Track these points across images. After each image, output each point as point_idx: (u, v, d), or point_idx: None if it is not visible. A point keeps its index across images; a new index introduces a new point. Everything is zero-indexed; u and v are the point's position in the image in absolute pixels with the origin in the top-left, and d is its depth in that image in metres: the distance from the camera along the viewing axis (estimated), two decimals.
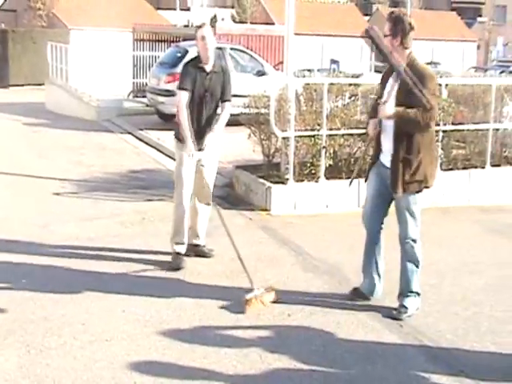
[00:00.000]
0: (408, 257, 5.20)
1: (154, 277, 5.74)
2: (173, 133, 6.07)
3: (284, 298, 5.32)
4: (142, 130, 14.15)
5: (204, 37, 5.84)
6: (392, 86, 4.92)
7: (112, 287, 5.46)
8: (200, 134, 5.84)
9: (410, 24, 5.07)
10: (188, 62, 6.03)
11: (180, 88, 5.83)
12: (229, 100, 5.96)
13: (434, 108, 4.81)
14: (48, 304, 5.09)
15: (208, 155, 5.90)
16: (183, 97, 5.78)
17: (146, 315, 4.94)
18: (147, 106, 16.32)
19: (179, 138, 5.91)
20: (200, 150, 5.80)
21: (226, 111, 5.96)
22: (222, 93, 5.93)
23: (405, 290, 5.18)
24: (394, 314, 5.09)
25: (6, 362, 4.18)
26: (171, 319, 4.90)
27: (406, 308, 5.12)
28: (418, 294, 5.20)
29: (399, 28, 4.99)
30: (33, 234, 6.88)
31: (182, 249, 6.04)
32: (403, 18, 5.04)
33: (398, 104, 4.86)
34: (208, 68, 5.87)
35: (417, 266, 5.20)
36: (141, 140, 13.45)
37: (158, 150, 12.22)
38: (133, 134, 14.16)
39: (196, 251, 6.25)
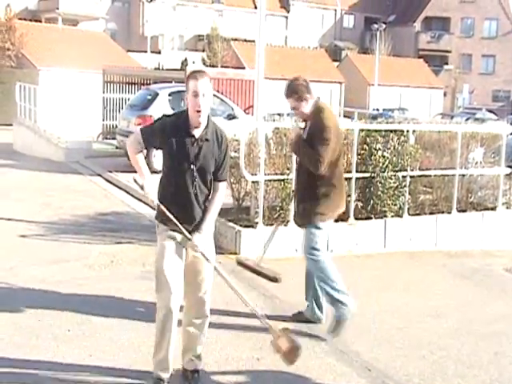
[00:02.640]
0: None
1: (123, 320, 5.68)
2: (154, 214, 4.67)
3: (252, 342, 5.30)
4: (111, 172, 14.11)
5: (197, 93, 4.28)
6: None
7: (80, 331, 5.39)
8: (187, 216, 4.37)
9: (304, 80, 5.75)
10: (169, 116, 4.52)
11: (142, 136, 4.41)
12: (224, 180, 4.52)
13: (322, 156, 5.45)
14: (13, 350, 4.99)
15: (202, 243, 4.39)
16: (136, 138, 4.44)
17: (115, 359, 4.89)
18: (117, 148, 16.32)
19: (160, 218, 4.46)
20: (190, 232, 4.37)
21: (220, 194, 4.49)
22: (217, 169, 4.44)
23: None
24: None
25: None
26: (140, 363, 4.84)
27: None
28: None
29: (300, 92, 5.67)
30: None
31: (166, 374, 4.47)
32: (295, 82, 5.72)
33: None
34: (197, 133, 4.36)
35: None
36: (110, 182, 13.41)
37: (127, 192, 12.19)
38: (102, 176, 14.12)
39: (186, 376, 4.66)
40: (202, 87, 4.27)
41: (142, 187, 4.41)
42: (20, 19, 34.93)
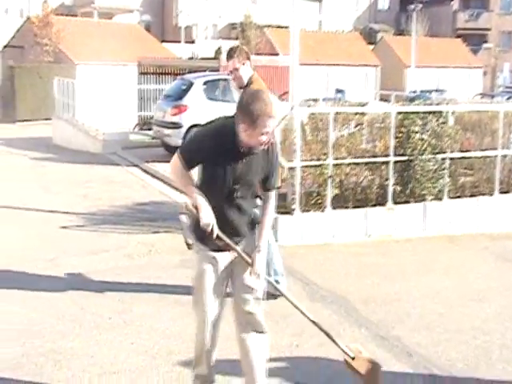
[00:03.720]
0: None
1: (163, 309, 5.72)
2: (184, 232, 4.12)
3: (292, 328, 5.28)
4: (148, 162, 14.21)
5: (267, 132, 3.66)
6: None
7: (121, 319, 5.44)
8: (232, 234, 3.88)
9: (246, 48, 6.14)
10: (207, 130, 3.82)
11: (184, 161, 3.80)
12: (275, 188, 4.03)
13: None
14: (56, 337, 5.07)
15: (261, 264, 3.97)
16: (178, 164, 3.83)
17: (155, 347, 4.92)
18: (153, 138, 16.44)
19: (197, 234, 3.90)
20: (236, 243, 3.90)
21: (271, 203, 4.01)
22: (266, 179, 3.92)
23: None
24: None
25: None
26: (180, 351, 4.87)
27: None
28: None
29: (243, 54, 6.07)
30: (40, 267, 6.88)
31: None
32: (238, 46, 6.16)
33: None
34: (246, 150, 3.76)
35: None
36: (147, 172, 13.50)
37: (164, 182, 12.25)
38: (139, 167, 14.22)
39: None
40: (273, 124, 3.69)
41: (195, 208, 3.77)
42: (57, 15, 35.28)
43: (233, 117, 3.71)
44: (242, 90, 5.75)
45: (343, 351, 4.09)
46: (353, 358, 4.07)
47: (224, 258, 3.91)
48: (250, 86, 5.66)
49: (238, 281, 3.97)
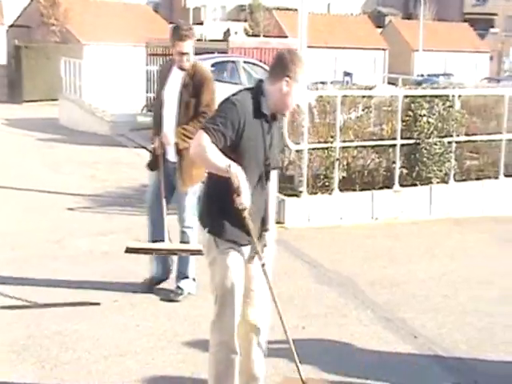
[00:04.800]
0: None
1: (169, 291, 5.75)
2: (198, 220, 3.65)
3: (297, 310, 5.32)
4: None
5: (301, 83, 3.47)
6: None
7: (126, 302, 5.48)
8: (258, 223, 3.52)
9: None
10: (236, 100, 3.35)
11: (210, 130, 3.24)
12: (279, 166, 3.93)
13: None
14: (62, 319, 5.10)
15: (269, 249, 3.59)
16: (205, 141, 3.24)
17: (160, 329, 4.95)
18: None
19: (215, 228, 3.44)
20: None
21: (274, 183, 3.65)
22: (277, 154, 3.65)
23: (181, 274, 5.55)
24: (171, 296, 5.50)
25: (21, 377, 4.20)
26: (186, 333, 4.91)
27: (182, 289, 5.52)
28: (194, 280, 5.56)
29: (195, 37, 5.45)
30: (47, 248, 6.91)
31: None
32: (192, 27, 5.42)
33: None
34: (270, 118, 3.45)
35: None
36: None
37: None
38: (146, 149, 14.20)
39: None
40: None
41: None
42: None
43: (252, 88, 3.47)
44: (184, 73, 5.27)
45: (297, 368, 3.72)
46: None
47: (246, 254, 3.52)
48: (196, 72, 5.28)
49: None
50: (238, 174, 3.23)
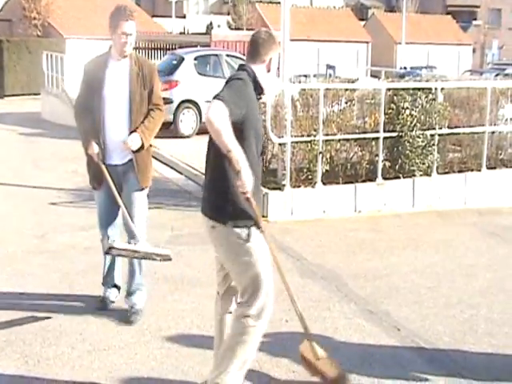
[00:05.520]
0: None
1: (153, 285, 5.74)
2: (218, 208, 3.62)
3: (281, 304, 5.31)
4: None
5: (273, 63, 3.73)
6: None
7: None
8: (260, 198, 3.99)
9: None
10: (244, 76, 3.59)
11: (224, 103, 3.31)
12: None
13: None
14: (45, 315, 5.07)
15: None
16: (221, 111, 3.29)
17: (144, 324, 4.94)
18: None
19: (244, 218, 3.56)
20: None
21: None
22: None
23: (133, 288, 5.06)
24: (130, 318, 4.95)
25: (3, 372, 4.18)
26: (169, 327, 4.90)
27: (137, 304, 5.05)
28: (143, 286, 5.13)
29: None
30: (29, 244, 6.88)
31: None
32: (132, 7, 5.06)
33: None
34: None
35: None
36: None
37: (155, 157, 12.17)
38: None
39: None
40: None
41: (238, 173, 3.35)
42: None
43: (243, 70, 3.64)
44: (124, 60, 4.83)
45: (312, 348, 3.85)
46: (318, 359, 3.82)
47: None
48: (141, 61, 4.94)
49: None
50: (239, 159, 3.31)
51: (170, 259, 4.83)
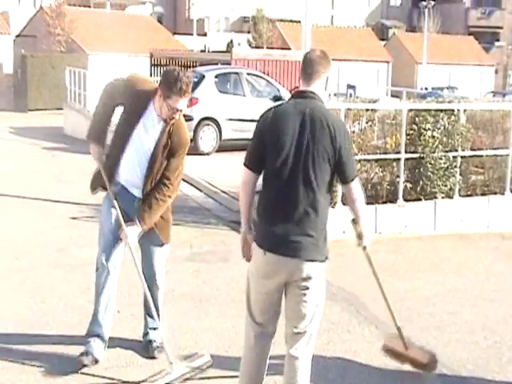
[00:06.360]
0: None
1: (171, 303, 5.70)
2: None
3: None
4: None
5: None
6: None
7: (128, 313, 5.44)
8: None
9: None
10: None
11: (245, 158, 3.78)
12: None
13: None
14: (63, 328, 5.08)
15: None
16: (245, 171, 3.80)
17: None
18: None
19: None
20: None
21: None
22: None
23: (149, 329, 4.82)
24: (152, 354, 4.69)
25: None
26: (187, 346, 4.87)
27: (156, 341, 4.76)
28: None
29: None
30: (49, 257, 6.90)
31: None
32: (189, 75, 4.41)
33: None
34: None
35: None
36: None
37: None
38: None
39: None
40: None
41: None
42: (70, 5, 35.30)
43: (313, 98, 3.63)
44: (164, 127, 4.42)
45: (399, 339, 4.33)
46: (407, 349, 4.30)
47: None
48: (176, 130, 4.45)
49: None
50: (242, 238, 3.79)
51: (211, 364, 4.57)
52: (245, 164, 3.67)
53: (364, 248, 4.00)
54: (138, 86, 4.44)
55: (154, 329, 4.77)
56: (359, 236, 3.92)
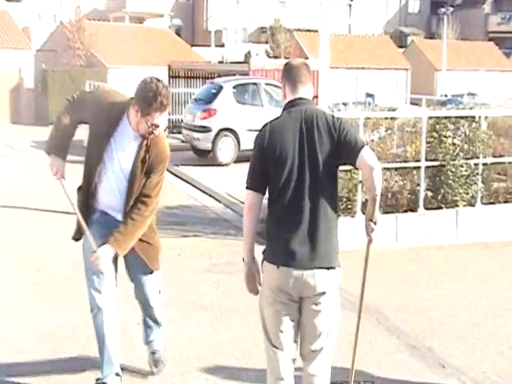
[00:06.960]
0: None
1: (191, 314, 5.67)
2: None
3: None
4: (177, 165, 14.21)
5: None
6: None
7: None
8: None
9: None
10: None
11: (247, 181, 3.62)
12: None
13: None
14: (84, 341, 5.09)
15: None
16: (248, 196, 3.64)
17: (182, 354, 4.88)
18: (182, 141, 16.47)
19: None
20: None
21: None
22: None
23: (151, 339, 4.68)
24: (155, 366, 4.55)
25: None
26: (207, 358, 4.83)
27: (160, 350, 4.63)
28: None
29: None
30: (68, 270, 6.88)
31: None
32: (168, 89, 4.06)
33: None
34: None
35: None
36: (176, 176, 13.51)
37: (194, 185, 12.23)
38: (168, 170, 14.12)
39: None
40: None
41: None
42: (89, 19, 35.61)
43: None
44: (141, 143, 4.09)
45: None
46: None
47: None
48: (154, 144, 4.11)
49: None
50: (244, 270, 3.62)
51: None
52: (248, 187, 3.52)
53: (370, 241, 3.74)
54: (107, 100, 4.14)
55: (151, 341, 4.63)
56: (370, 217, 3.67)
